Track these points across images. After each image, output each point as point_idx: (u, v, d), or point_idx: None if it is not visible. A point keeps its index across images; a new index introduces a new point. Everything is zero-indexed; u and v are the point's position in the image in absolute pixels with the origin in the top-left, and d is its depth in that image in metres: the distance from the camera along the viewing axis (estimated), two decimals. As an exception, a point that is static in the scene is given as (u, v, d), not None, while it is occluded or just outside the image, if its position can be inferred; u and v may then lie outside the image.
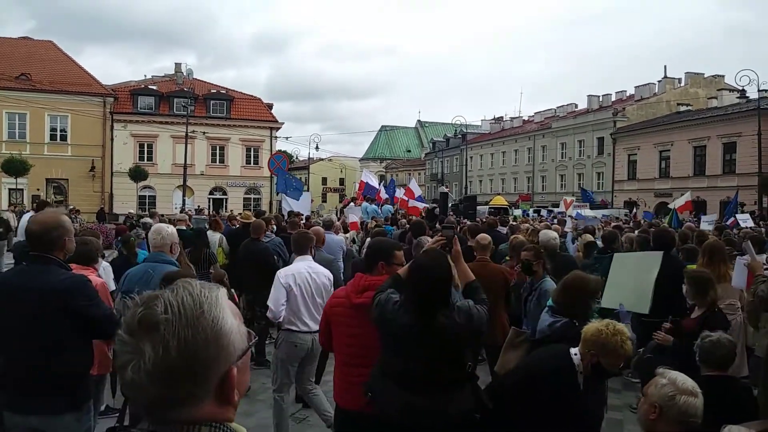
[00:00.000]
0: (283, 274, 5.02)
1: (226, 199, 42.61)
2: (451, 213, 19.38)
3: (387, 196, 21.57)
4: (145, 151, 41.05)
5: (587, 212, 23.20)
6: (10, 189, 33.51)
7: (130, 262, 6.47)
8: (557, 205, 33.39)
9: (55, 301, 3.04)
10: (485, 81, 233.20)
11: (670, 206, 19.34)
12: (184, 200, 33.94)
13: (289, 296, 4.92)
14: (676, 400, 2.41)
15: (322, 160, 65.52)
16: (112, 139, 39.43)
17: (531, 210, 35.80)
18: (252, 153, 43.61)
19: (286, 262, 6.93)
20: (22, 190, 33.92)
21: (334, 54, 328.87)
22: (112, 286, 5.31)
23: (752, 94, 28.79)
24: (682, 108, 42.36)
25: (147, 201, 39.50)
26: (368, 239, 9.65)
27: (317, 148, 44.14)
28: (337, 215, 18.22)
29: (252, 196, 43.50)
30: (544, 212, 30.00)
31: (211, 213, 27.45)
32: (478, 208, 28.88)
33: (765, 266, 5.13)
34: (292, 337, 4.95)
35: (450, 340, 2.99)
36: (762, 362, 4.63)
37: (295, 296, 4.92)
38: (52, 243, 3.15)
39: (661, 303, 5.13)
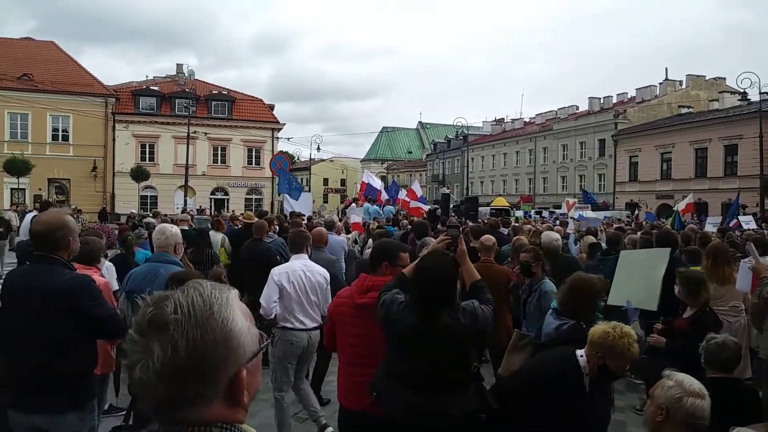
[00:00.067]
0: (276, 272, 5.05)
1: (228, 199, 42.70)
2: (453, 214, 19.37)
3: (388, 197, 21.54)
4: (147, 152, 41.12)
5: (589, 214, 23.15)
6: (12, 189, 33.56)
7: (128, 261, 6.49)
8: (559, 207, 33.36)
9: (59, 300, 3.04)
10: (486, 81, 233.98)
11: (675, 209, 19.31)
12: (185, 200, 33.98)
13: (283, 294, 4.94)
14: (683, 402, 2.40)
15: (323, 160, 65.55)
16: (113, 140, 39.50)
17: (533, 211, 35.77)
18: (253, 154, 43.69)
19: (289, 263, 6.92)
20: (24, 189, 34.01)
21: (334, 54, 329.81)
22: (115, 286, 5.31)
23: (753, 96, 28.80)
24: (684, 110, 42.39)
25: (148, 201, 39.60)
26: (370, 240, 9.65)
27: (318, 148, 44.20)
28: (338, 216, 18.21)
29: (253, 196, 43.58)
30: (545, 213, 29.97)
31: (213, 213, 27.46)
32: (480, 209, 28.86)
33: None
34: (287, 335, 4.96)
35: (454, 340, 2.99)
36: (765, 364, 4.63)
37: (289, 294, 4.94)
38: (56, 243, 3.15)
39: (664, 303, 5.11)
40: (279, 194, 26.87)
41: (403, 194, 20.51)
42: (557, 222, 17.12)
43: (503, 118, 67.65)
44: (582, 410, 2.94)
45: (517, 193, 53.79)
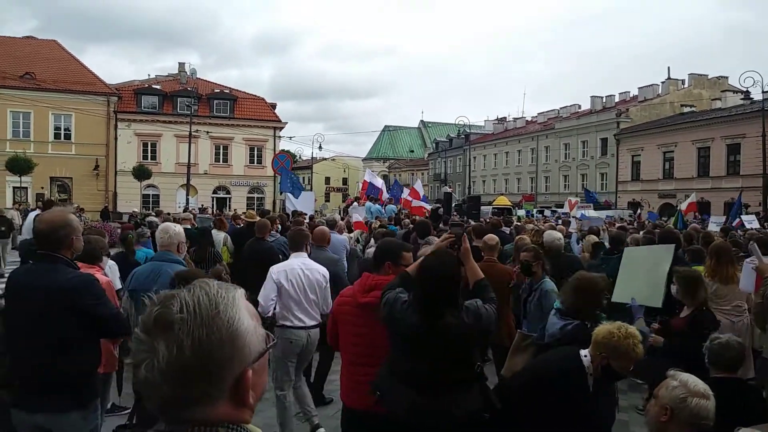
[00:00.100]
0: (275, 271, 5.06)
1: (230, 198, 42.75)
2: (455, 213, 19.35)
3: (390, 196, 21.53)
4: (149, 150, 41.17)
5: (591, 213, 23.13)
6: (14, 187, 33.63)
7: (128, 260, 6.50)
8: (561, 206, 33.33)
9: (62, 299, 3.04)
10: (487, 81, 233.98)
11: (678, 208, 19.27)
12: (187, 199, 34.03)
13: (281, 292, 4.95)
14: (687, 402, 2.39)
15: (325, 159, 65.61)
16: (116, 138, 39.55)
17: (535, 210, 35.74)
18: (255, 152, 43.74)
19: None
20: (26, 188, 34.05)
21: (335, 54, 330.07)
22: (118, 285, 5.32)
23: (756, 95, 28.72)
24: (686, 109, 42.30)
25: (151, 200, 39.65)
26: (372, 239, 9.65)
27: (320, 147, 44.34)
28: (340, 215, 18.20)
29: (255, 195, 43.63)
30: (547, 212, 29.94)
31: (215, 212, 27.48)
32: (482, 208, 28.84)
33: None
34: (286, 333, 4.96)
35: (457, 339, 2.98)
36: (769, 364, 4.62)
37: (287, 291, 4.95)
38: (59, 241, 3.15)
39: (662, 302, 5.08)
40: (281, 193, 26.89)
41: (405, 194, 20.49)
42: (560, 221, 17.10)
43: (505, 117, 67.63)
44: (586, 410, 2.93)
45: (519, 192, 53.72)
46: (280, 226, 10.35)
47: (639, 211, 32.62)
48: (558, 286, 5.25)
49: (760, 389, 3.90)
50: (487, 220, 14.14)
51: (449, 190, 27.11)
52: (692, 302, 4.58)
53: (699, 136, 37.90)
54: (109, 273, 5.18)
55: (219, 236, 9.35)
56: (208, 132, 41.36)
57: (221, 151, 43.10)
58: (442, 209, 18.62)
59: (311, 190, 26.26)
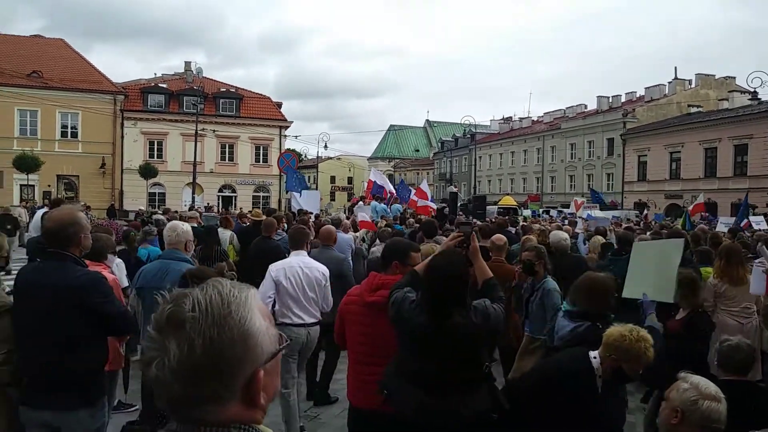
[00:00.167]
0: (274, 268, 5.08)
1: (236, 196, 42.82)
2: (461, 213, 19.33)
3: (397, 196, 21.52)
4: (155, 149, 41.32)
5: (597, 213, 23.04)
6: (21, 185, 33.83)
7: (129, 257, 6.53)
8: (567, 206, 33.23)
9: (70, 297, 3.04)
10: (493, 80, 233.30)
11: (685, 209, 19.18)
12: (193, 197, 34.08)
13: (280, 290, 4.96)
14: (698, 404, 2.37)
15: (330, 158, 65.69)
16: (122, 137, 39.72)
17: (540, 210, 35.66)
18: (261, 151, 43.80)
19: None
20: (33, 186, 34.29)
21: (341, 53, 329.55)
22: (125, 283, 5.33)
23: (764, 96, 28.60)
24: (693, 109, 42.09)
25: (157, 198, 39.83)
26: (377, 238, 9.64)
27: (326, 146, 44.34)
28: (345, 214, 18.21)
29: (261, 194, 43.68)
30: (553, 213, 29.86)
31: (221, 210, 27.55)
32: (487, 208, 28.80)
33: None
34: (286, 331, 4.95)
35: (465, 339, 2.97)
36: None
37: (285, 289, 4.96)
38: (68, 239, 3.15)
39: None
40: (287, 192, 26.93)
41: (412, 194, 20.49)
42: (566, 221, 17.05)
43: (511, 117, 67.45)
44: (594, 411, 2.92)
45: (524, 192, 53.59)
46: (286, 225, 10.35)
47: (645, 211, 32.51)
48: (560, 285, 5.23)
49: (770, 392, 3.86)
50: (493, 220, 14.13)
51: (455, 189, 27.04)
52: (689, 304, 4.55)
53: (706, 137, 37.71)
54: (116, 271, 5.19)
55: (225, 235, 9.36)
56: (214, 131, 41.46)
57: (227, 149, 43.18)
58: (447, 209, 18.60)
59: (317, 189, 26.27)
